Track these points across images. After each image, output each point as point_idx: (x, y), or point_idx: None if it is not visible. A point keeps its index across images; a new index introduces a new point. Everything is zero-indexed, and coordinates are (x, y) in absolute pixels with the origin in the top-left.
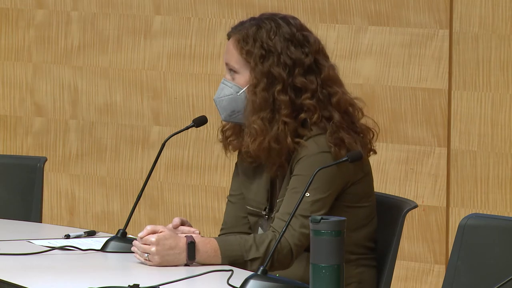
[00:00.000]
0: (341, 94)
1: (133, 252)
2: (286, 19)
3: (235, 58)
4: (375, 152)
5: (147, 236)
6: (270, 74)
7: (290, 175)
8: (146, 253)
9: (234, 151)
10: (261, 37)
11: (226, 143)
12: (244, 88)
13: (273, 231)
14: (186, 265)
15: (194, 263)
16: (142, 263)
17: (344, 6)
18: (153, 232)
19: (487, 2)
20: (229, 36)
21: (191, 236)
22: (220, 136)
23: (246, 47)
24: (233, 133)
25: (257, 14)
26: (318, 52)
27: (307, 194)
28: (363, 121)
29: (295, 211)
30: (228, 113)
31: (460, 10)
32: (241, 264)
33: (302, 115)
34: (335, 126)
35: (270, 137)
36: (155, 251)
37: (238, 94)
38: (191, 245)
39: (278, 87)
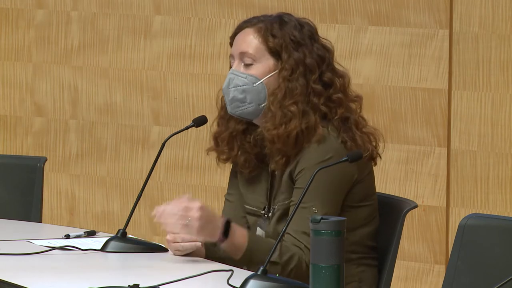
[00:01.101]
0: (360, 101)
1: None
2: (304, 20)
3: (254, 46)
4: (380, 157)
5: (190, 204)
6: (305, 64)
7: (292, 183)
8: (187, 218)
9: (225, 163)
10: (289, 31)
11: (218, 152)
12: (263, 79)
13: (296, 247)
14: (213, 245)
15: (220, 244)
16: (171, 231)
17: (344, 6)
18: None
19: (487, 2)
20: (241, 28)
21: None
22: (212, 143)
23: (275, 38)
24: (224, 143)
25: (257, 14)
26: (333, 59)
27: (315, 210)
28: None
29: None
30: (237, 104)
31: (460, 10)
32: (258, 263)
33: (326, 109)
34: (352, 125)
35: (301, 123)
36: (198, 217)
37: (254, 85)
38: (227, 224)
39: (314, 76)
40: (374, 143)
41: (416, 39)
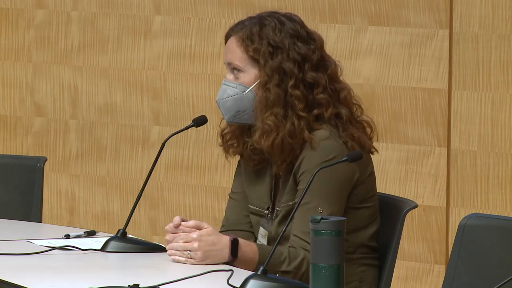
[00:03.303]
0: (348, 90)
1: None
2: (287, 16)
3: (238, 56)
4: (376, 150)
5: (189, 234)
6: (282, 70)
7: (295, 185)
8: (187, 250)
9: (234, 155)
10: (267, 34)
11: (226, 147)
12: (251, 87)
13: (304, 250)
14: (225, 263)
15: (232, 263)
16: (182, 262)
17: (344, 6)
18: (198, 228)
19: (487, 2)
20: (228, 36)
21: (234, 234)
22: (219, 141)
23: (253, 45)
24: (232, 137)
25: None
26: (323, 48)
27: (321, 210)
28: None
29: (293, 213)
30: (233, 113)
31: (460, 10)
32: (272, 273)
33: (316, 111)
34: (347, 122)
35: (284, 133)
36: (197, 247)
37: (244, 93)
38: (235, 242)
39: (291, 82)
40: (369, 132)
41: (416, 39)
